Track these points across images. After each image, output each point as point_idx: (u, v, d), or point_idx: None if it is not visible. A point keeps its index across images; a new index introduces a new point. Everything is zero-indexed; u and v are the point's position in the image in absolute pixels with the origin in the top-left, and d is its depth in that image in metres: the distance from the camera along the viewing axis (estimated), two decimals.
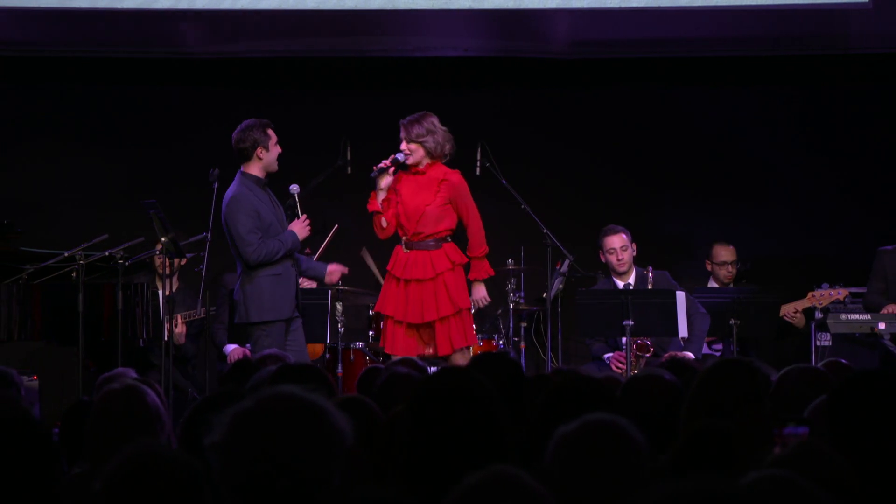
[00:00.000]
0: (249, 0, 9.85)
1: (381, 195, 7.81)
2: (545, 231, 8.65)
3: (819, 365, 5.47)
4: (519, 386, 4.41)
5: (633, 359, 8.35)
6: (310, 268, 8.08)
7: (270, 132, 7.76)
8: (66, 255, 8.16)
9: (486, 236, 7.92)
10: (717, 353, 9.11)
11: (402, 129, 7.83)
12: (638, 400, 4.03)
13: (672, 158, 10.46)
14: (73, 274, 8.12)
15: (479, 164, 8.81)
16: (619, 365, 8.57)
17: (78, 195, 10.29)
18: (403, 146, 7.80)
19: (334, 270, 7.96)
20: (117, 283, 8.08)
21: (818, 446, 2.79)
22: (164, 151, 10.35)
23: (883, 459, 3.03)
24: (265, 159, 7.72)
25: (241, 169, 7.76)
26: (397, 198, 7.80)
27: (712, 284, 9.40)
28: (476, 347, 9.09)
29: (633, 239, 8.92)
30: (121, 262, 8.15)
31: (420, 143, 7.76)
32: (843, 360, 5.54)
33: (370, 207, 7.84)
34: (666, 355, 8.45)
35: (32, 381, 8.34)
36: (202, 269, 8.36)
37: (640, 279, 8.80)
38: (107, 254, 8.20)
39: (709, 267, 9.48)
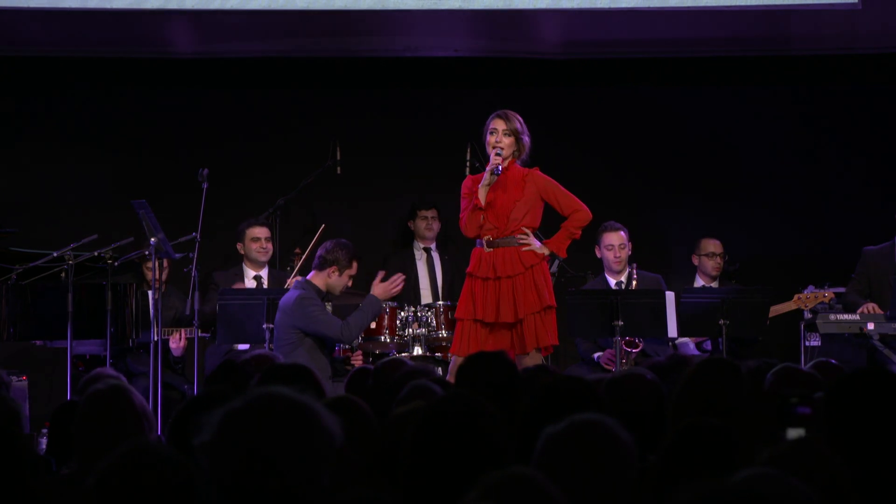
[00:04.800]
0: (239, 0, 9.84)
1: (485, 192, 7.51)
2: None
3: (808, 365, 5.49)
4: (514, 386, 4.41)
5: (622, 356, 8.35)
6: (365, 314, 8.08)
7: (355, 264, 7.96)
8: (55, 255, 8.15)
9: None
10: (707, 353, 9.12)
11: (496, 120, 7.55)
12: (620, 399, 4.03)
13: (661, 159, 10.47)
14: (63, 274, 8.11)
15: (468, 164, 8.81)
16: (610, 364, 8.57)
17: (67, 195, 10.27)
18: (498, 137, 7.53)
19: (384, 290, 8.03)
20: (107, 283, 8.07)
21: (812, 445, 2.80)
22: (154, 152, 10.33)
23: (878, 459, 3.03)
24: (332, 280, 7.92)
25: (308, 276, 7.97)
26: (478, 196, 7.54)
27: (698, 281, 9.40)
28: None
29: None
30: (110, 262, 8.14)
31: (517, 136, 7.55)
32: (833, 361, 5.55)
33: (477, 203, 7.51)
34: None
35: (21, 382, 8.33)
36: (191, 269, 8.34)
37: (633, 277, 8.84)
38: (96, 254, 8.19)
39: (696, 261, 9.47)
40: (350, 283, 8.01)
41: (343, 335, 7.85)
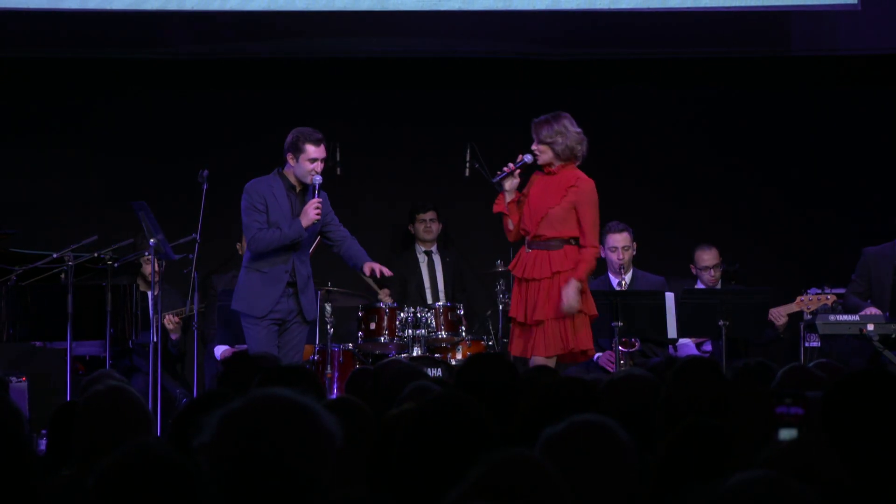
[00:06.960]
0: (239, 1, 9.84)
1: (509, 197, 7.53)
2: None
3: (809, 366, 5.49)
4: (513, 388, 4.41)
5: (621, 356, 8.36)
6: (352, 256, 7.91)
7: (308, 147, 7.59)
8: (55, 256, 8.15)
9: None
10: (707, 355, 9.12)
11: (532, 129, 7.58)
12: (619, 400, 4.02)
13: (661, 159, 10.47)
14: (63, 275, 8.11)
15: (468, 165, 8.81)
16: (610, 364, 8.58)
17: (67, 196, 10.27)
18: (535, 146, 7.54)
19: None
20: (106, 284, 8.07)
21: (812, 444, 2.79)
22: (154, 153, 10.33)
23: (878, 460, 3.03)
24: (294, 168, 7.65)
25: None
26: (525, 198, 7.56)
27: (699, 283, 9.41)
28: (466, 349, 9.11)
29: None
30: (109, 263, 8.14)
31: (549, 144, 7.51)
32: (834, 361, 5.56)
33: (496, 209, 7.58)
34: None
35: (21, 382, 8.33)
36: (191, 270, 8.35)
37: (637, 279, 8.84)
38: (96, 255, 8.19)
39: (693, 271, 9.49)
40: (319, 167, 7.63)
41: (248, 243, 7.64)
